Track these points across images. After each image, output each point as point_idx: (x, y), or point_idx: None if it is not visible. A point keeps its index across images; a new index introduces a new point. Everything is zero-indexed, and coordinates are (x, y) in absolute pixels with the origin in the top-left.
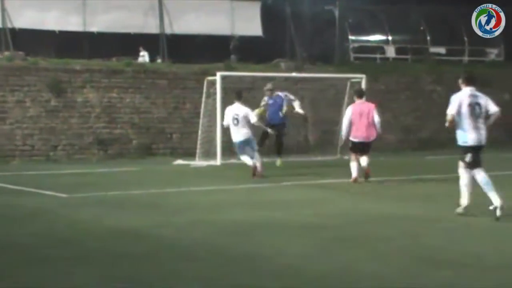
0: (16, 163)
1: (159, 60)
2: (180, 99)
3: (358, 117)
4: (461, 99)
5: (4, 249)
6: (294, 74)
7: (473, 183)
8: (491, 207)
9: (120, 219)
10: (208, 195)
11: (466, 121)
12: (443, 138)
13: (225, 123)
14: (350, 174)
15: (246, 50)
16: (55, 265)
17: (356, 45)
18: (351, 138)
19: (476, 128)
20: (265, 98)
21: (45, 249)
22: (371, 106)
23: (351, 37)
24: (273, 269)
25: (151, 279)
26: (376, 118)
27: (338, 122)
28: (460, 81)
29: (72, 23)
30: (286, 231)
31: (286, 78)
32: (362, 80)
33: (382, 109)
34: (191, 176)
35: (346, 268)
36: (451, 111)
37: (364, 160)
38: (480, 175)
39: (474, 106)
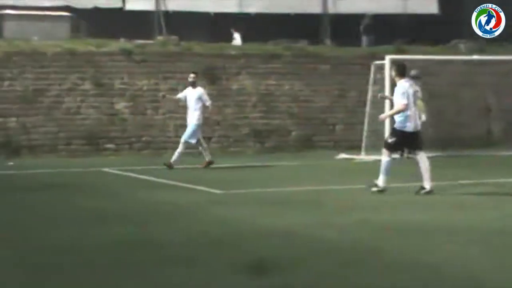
0: (168, 155)
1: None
2: (344, 86)
3: None
4: None
5: (153, 246)
6: (475, 57)
7: None
8: None
9: (277, 218)
10: (374, 193)
11: None
12: None
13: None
14: None
15: (419, 30)
16: (202, 266)
17: None
18: None
19: None
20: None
21: (193, 249)
22: None
23: None
24: (444, 279)
25: (304, 286)
26: None
27: None
28: None
29: (228, 4)
30: (459, 235)
31: (465, 62)
32: None
33: None
34: (355, 172)
35: None
36: None
37: None
38: None
39: None
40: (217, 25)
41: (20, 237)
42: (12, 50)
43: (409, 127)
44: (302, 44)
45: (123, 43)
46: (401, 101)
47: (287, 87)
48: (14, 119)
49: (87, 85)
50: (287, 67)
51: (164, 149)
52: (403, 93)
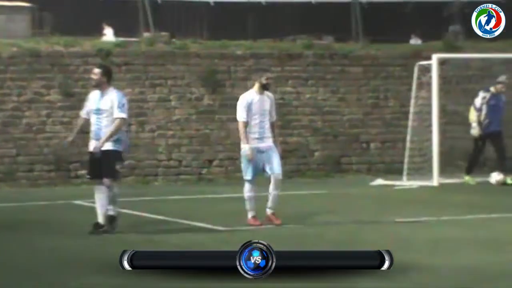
0: (159, 184)
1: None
2: (381, 94)
3: None
4: None
5: None
6: None
7: None
8: None
9: None
10: (422, 229)
11: None
12: None
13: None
14: None
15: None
16: None
17: None
18: None
19: None
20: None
21: None
22: None
23: None
24: None
25: None
26: None
27: None
28: None
29: None
30: None
31: None
32: None
33: None
34: (396, 202)
35: None
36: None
37: None
38: None
39: None
40: (219, 19)
41: None
42: None
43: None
44: (327, 41)
45: (99, 41)
46: (119, 114)
47: (308, 95)
48: None
49: (54, 95)
50: (309, 70)
51: (153, 175)
52: (124, 105)
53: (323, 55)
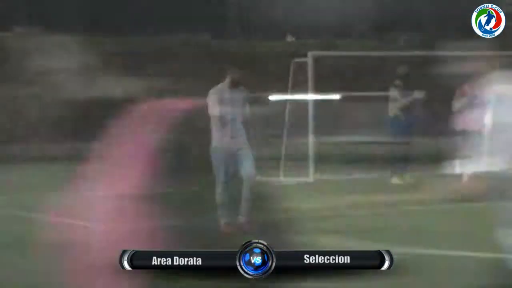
0: None
1: None
2: (258, 91)
3: None
4: None
5: None
6: (418, 53)
7: None
8: None
9: None
10: (302, 222)
11: None
12: None
13: None
14: None
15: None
16: None
17: None
18: None
19: None
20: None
21: None
22: None
23: None
24: None
25: None
26: None
27: None
28: None
29: None
30: None
31: (403, 59)
32: None
33: None
34: (274, 197)
35: None
36: None
37: None
38: None
39: None
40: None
41: None
42: None
43: None
44: (204, 38)
45: None
46: None
47: (185, 92)
48: None
49: None
50: (186, 68)
51: None
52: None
53: (199, 52)
